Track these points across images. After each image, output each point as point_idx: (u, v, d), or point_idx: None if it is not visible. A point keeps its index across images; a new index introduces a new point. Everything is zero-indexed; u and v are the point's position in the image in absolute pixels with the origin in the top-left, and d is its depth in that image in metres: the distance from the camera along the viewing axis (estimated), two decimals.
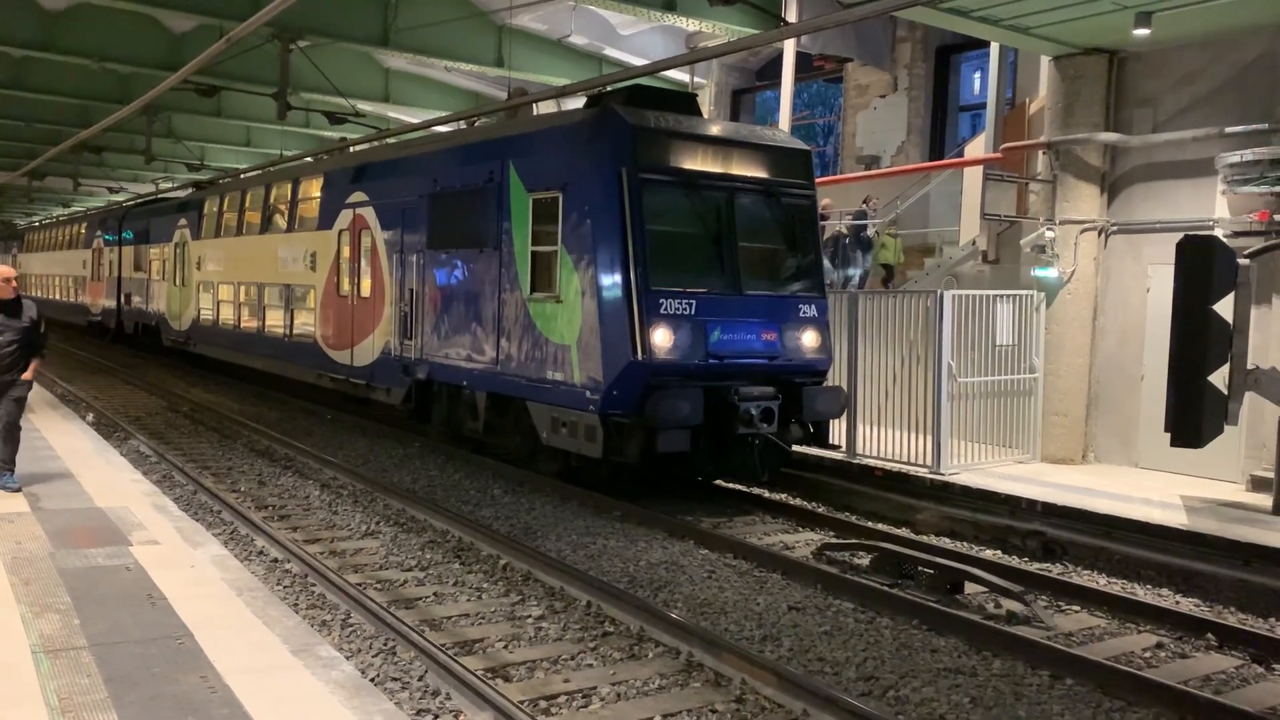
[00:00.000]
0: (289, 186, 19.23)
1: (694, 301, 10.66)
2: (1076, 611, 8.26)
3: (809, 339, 11.48)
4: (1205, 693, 6.50)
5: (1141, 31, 11.16)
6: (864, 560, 9.23)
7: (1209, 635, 7.62)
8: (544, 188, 11.55)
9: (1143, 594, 8.77)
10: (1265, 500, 10.40)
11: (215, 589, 6.70)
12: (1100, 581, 9.10)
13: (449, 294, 13.45)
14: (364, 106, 22.69)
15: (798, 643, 7.25)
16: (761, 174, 11.64)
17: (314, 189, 18.15)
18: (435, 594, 8.16)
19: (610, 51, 20.45)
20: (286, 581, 8.34)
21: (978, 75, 20.66)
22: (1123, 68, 13.05)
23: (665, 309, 10.45)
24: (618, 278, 10.45)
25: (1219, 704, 6.21)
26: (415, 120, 21.98)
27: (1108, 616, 8.13)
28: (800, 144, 12.53)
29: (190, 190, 27.39)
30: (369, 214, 15.74)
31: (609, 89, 13.41)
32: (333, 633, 7.14)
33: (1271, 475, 10.41)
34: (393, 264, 14.87)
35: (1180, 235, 10.64)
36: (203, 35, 18.70)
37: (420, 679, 6.34)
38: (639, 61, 18.85)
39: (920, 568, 8.78)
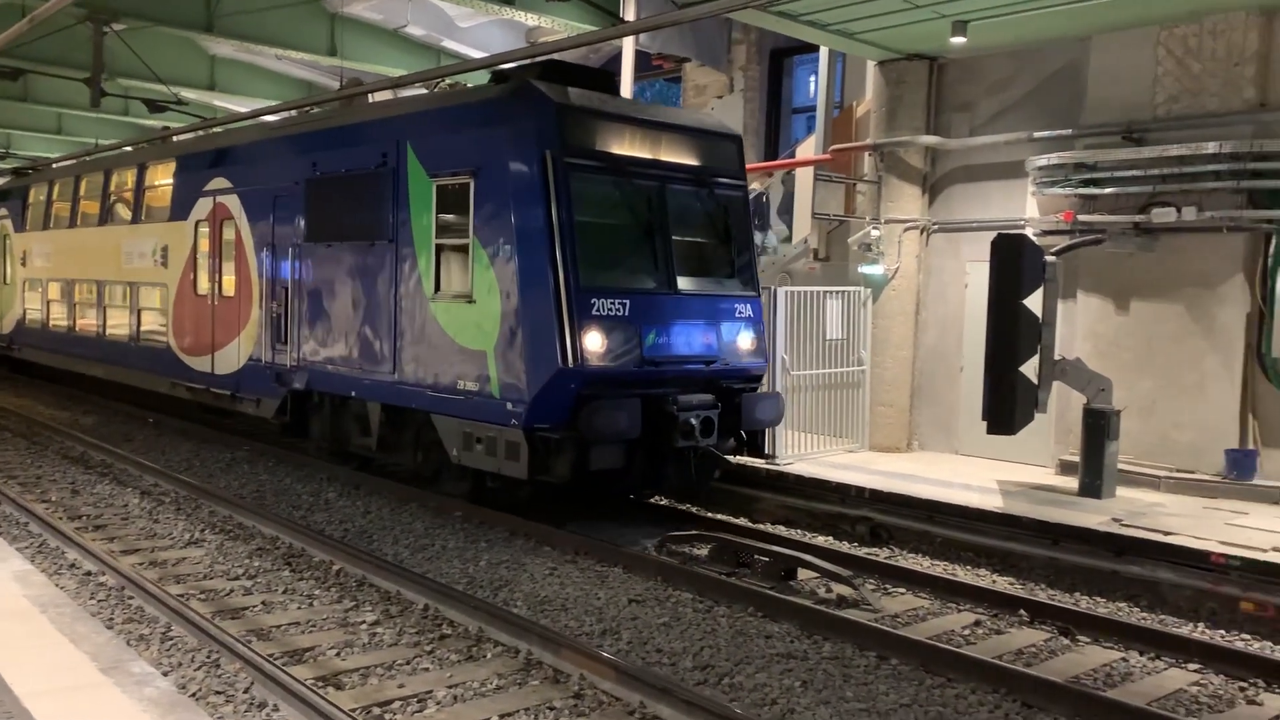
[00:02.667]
0: (134, 172, 17.24)
1: (628, 302, 9.66)
2: (902, 593, 8.62)
3: (746, 341, 10.64)
4: (1018, 665, 6.90)
5: (958, 39, 11.74)
6: (703, 551, 9.39)
7: (1022, 611, 8.08)
8: (451, 172, 10.31)
9: (962, 574, 9.23)
10: (1072, 483, 11.11)
11: (15, 606, 6.25)
12: (924, 564, 9.53)
13: (333, 293, 12.07)
14: (188, 94, 21.60)
15: (637, 635, 7.31)
16: (693, 161, 10.66)
17: (165, 174, 16.27)
18: (264, 603, 7.84)
19: (449, 43, 20.12)
20: (100, 595, 7.85)
21: (811, 78, 21.34)
22: (942, 74, 13.71)
23: (597, 310, 9.42)
24: (543, 275, 9.35)
25: (1030, 675, 6.58)
26: (244, 109, 21.08)
27: (931, 597, 8.51)
28: (731, 129, 11.59)
29: (9, 177, 25.03)
30: (233, 202, 14.17)
31: (449, 81, 13.20)
32: (150, 647, 6.76)
33: (1078, 459, 11.13)
34: (262, 259, 13.40)
35: (994, 234, 11.26)
36: (5, 14, 17.41)
37: (245, 691, 6.08)
38: (478, 54, 18.62)
39: (756, 556, 9.00)
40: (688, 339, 10.12)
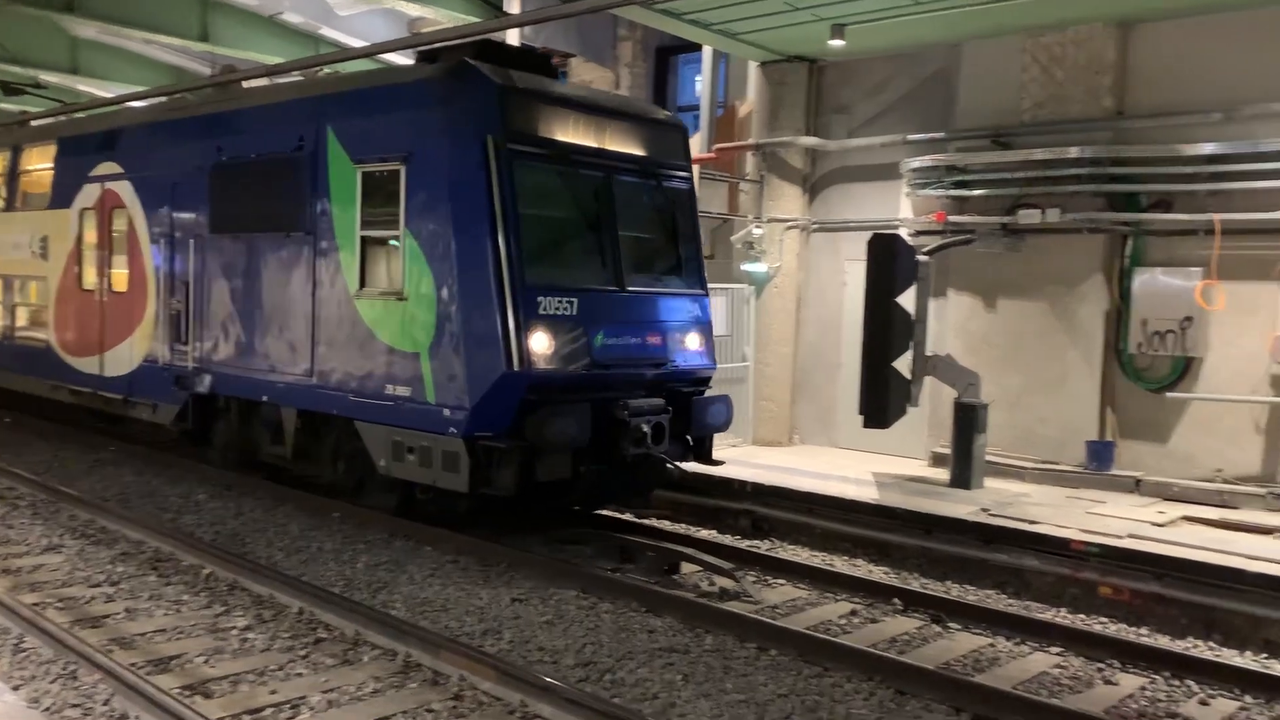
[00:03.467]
0: (6, 156, 15.88)
1: (575, 300, 9.02)
2: (782, 585, 8.76)
3: (695, 342, 10.06)
4: (891, 653, 7.09)
5: (836, 42, 12.01)
6: (589, 547, 9.37)
7: (896, 600, 8.31)
8: (379, 158, 9.52)
9: (840, 565, 9.45)
10: (943, 474, 11.50)
11: None
12: (803, 555, 9.72)
13: (241, 289, 11.15)
14: (47, 77, 20.50)
15: (518, 634, 7.25)
16: (639, 151, 9.99)
17: (43, 158, 14.93)
18: (127, 610, 7.49)
19: (327, 31, 19.59)
20: None
21: (696, 78, 21.51)
22: (822, 76, 14.00)
23: (544, 309, 8.77)
24: (485, 271, 8.64)
25: (902, 663, 6.77)
26: (109, 95, 20.12)
27: (809, 588, 8.68)
28: (676, 118, 10.96)
29: None
30: (124, 189, 13.05)
31: (328, 69, 12.81)
32: (0, 660, 6.38)
33: (949, 452, 11.51)
34: (159, 251, 12.36)
35: (871, 234, 11.57)
36: None
37: (105, 703, 5.79)
38: (358, 43, 18.18)
39: (641, 551, 9.03)
40: (638, 340, 9.55)
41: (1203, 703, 6.50)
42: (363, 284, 9.73)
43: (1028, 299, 12.36)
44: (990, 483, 11.36)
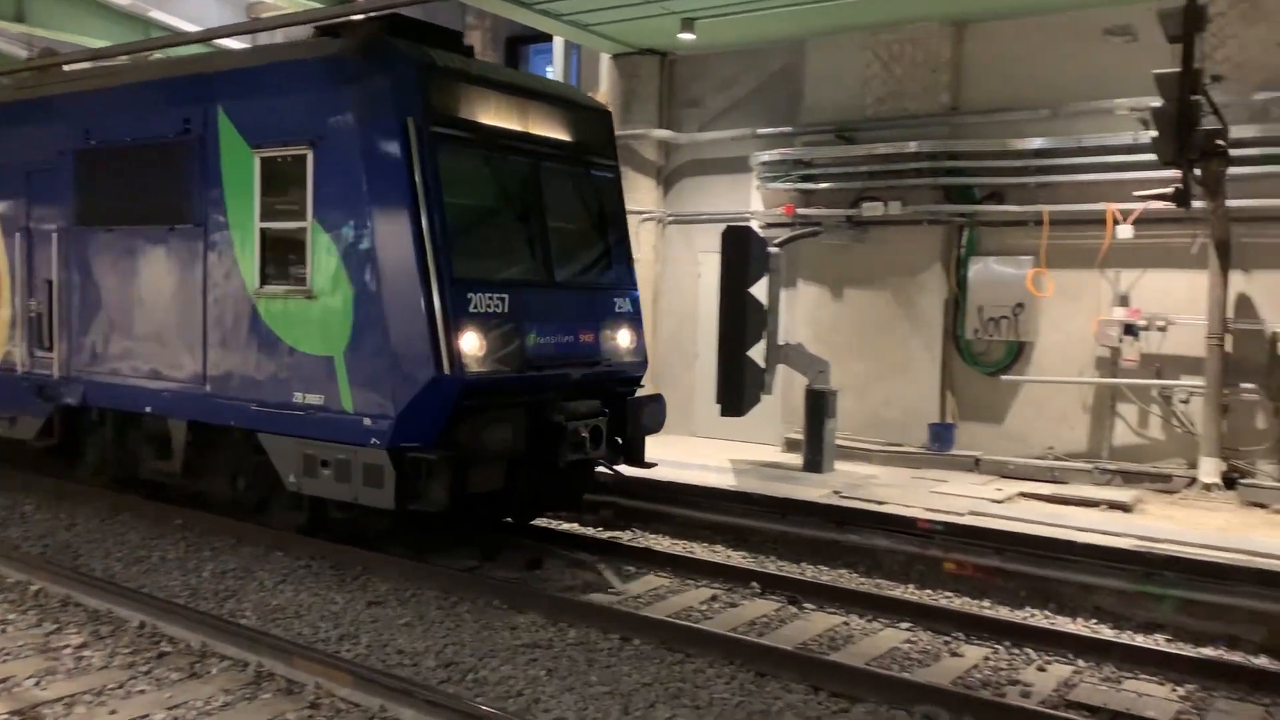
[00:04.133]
0: None
1: (506, 296, 8.33)
2: (644, 574, 8.82)
3: (626, 339, 9.51)
4: (750, 636, 7.23)
5: (686, 36, 12.14)
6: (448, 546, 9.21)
7: (754, 584, 8.48)
8: (281, 142, 8.64)
9: (700, 552, 9.58)
10: (797, 459, 11.81)
11: None
12: (664, 544, 9.81)
13: (117, 288, 10.01)
14: None
15: (376, 638, 7.06)
16: (566, 137, 9.39)
17: None
18: None
19: (157, 14, 18.59)
20: None
21: (548, 68, 21.39)
22: (674, 69, 14.14)
23: (475, 306, 8.07)
24: (409, 265, 7.89)
25: (761, 645, 6.92)
26: None
27: (670, 576, 8.77)
28: (601, 104, 10.34)
29: None
30: None
31: (161, 53, 12.13)
32: None
33: (801, 437, 11.82)
34: (13, 246, 11.03)
35: (724, 226, 11.76)
36: None
37: None
38: (191, 27, 17.34)
39: (504, 548, 8.93)
40: (570, 338, 8.94)
41: (1040, 669, 6.86)
42: (264, 280, 8.82)
43: (873, 288, 12.81)
44: (841, 466, 11.73)
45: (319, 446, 8.44)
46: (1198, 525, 9.34)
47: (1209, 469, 10.68)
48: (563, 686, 6.30)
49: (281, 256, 8.79)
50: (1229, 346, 10.69)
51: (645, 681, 6.40)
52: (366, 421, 8.12)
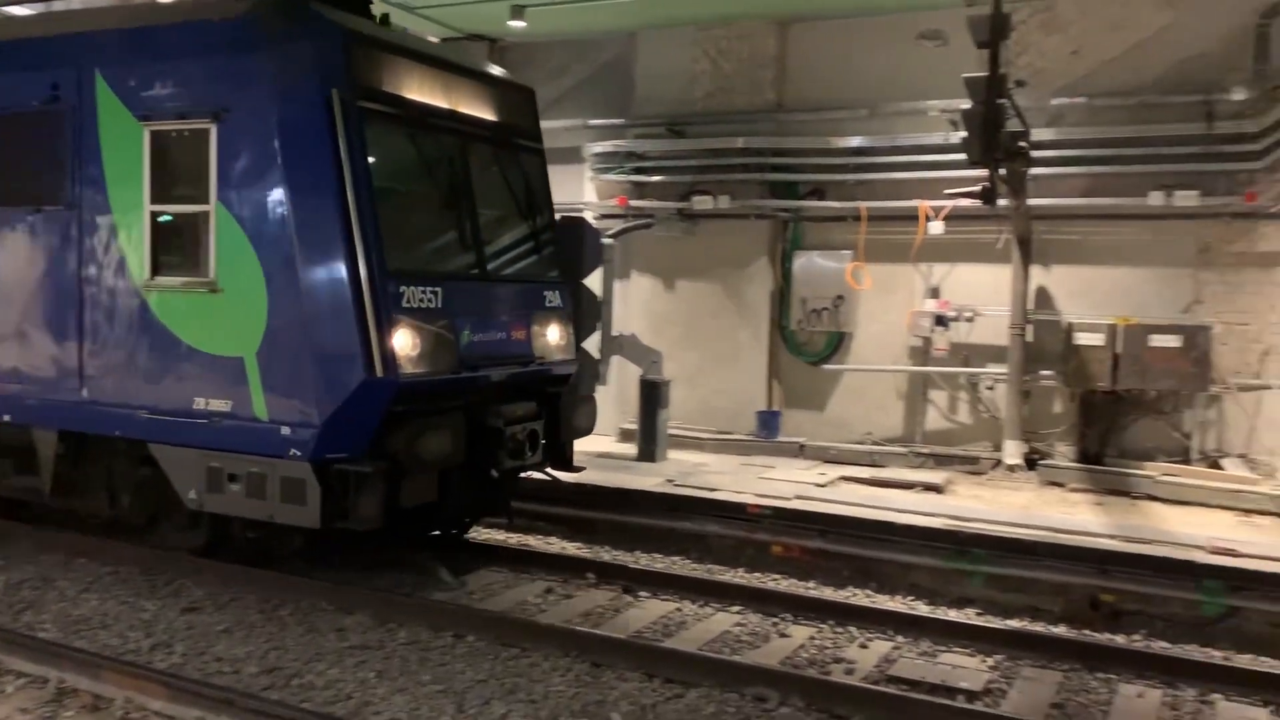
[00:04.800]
0: None
1: (439, 290, 7.55)
2: (478, 569, 8.70)
3: (557, 336, 8.85)
4: (585, 627, 7.24)
5: (516, 23, 12.01)
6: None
7: (589, 574, 8.49)
8: (176, 114, 7.68)
9: (535, 544, 9.52)
10: (632, 449, 11.91)
11: None
12: (499, 538, 9.70)
13: None
14: None
15: (193, 646, 6.70)
16: (492, 116, 8.61)
17: None
18: None
19: None
20: None
21: None
22: (504, 56, 13.95)
23: (408, 301, 7.29)
24: (336, 255, 7.06)
25: (596, 635, 6.94)
26: None
27: (506, 570, 8.67)
28: (524, 83, 9.57)
29: None
30: None
31: None
32: None
33: (636, 427, 11.93)
34: None
35: (558, 217, 11.68)
36: None
37: None
38: None
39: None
40: (503, 335, 8.25)
41: (863, 646, 7.15)
42: (156, 271, 7.81)
43: (703, 280, 13.04)
44: (674, 454, 11.90)
45: (226, 459, 7.51)
46: (1003, 504, 9.96)
47: (1012, 451, 11.39)
48: (394, 688, 6.13)
49: (178, 244, 7.82)
50: (1029, 336, 11.43)
51: (479, 678, 6.31)
52: (285, 430, 7.27)
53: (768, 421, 12.63)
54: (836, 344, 12.82)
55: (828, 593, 8.34)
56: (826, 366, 12.78)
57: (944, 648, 7.10)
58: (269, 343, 7.33)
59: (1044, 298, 11.86)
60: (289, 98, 7.30)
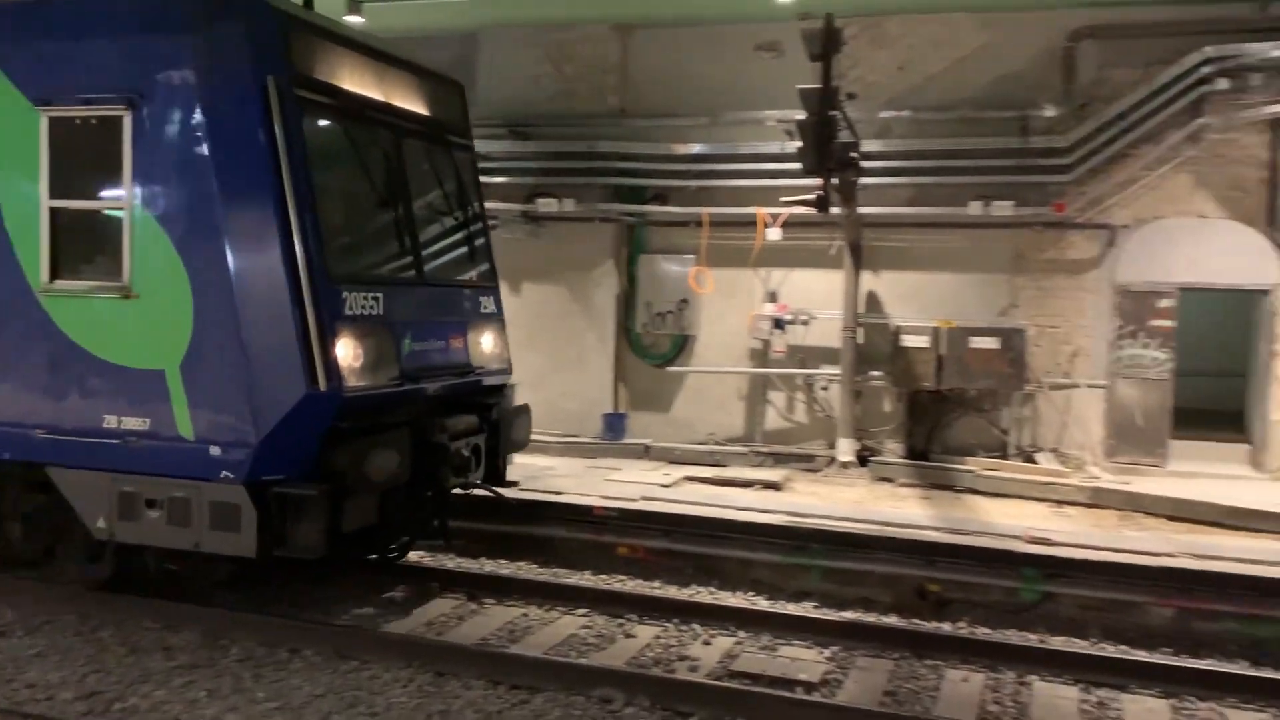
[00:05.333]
0: None
1: (380, 296, 7.06)
2: (322, 581, 8.42)
3: (492, 344, 8.44)
4: (430, 635, 7.12)
5: (354, 19, 11.68)
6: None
7: (434, 583, 8.34)
8: (82, 99, 6.93)
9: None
10: None
11: None
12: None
13: None
14: None
15: (0, 674, 6.24)
16: (424, 110, 8.14)
17: None
18: None
19: None
20: None
21: None
22: None
23: (350, 307, 6.78)
24: (274, 258, 6.48)
25: (438, 643, 6.85)
26: None
27: (351, 582, 8.42)
28: (452, 76, 9.01)
29: None
30: None
31: None
32: None
33: None
34: None
35: None
36: None
37: None
38: None
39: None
40: (442, 344, 7.79)
41: (706, 643, 7.28)
42: (56, 274, 7.05)
43: (549, 283, 13.03)
44: (520, 458, 11.79)
45: (143, 482, 6.82)
46: (837, 500, 10.33)
47: (845, 449, 11.84)
48: (225, 706, 5.88)
49: (83, 244, 7.11)
50: (861, 339, 11.90)
51: (318, 693, 6.11)
52: (214, 450, 6.65)
53: (614, 424, 12.72)
54: (681, 346, 13.03)
55: (672, 592, 8.45)
56: (671, 368, 12.97)
57: (784, 641, 7.30)
58: (195, 354, 6.67)
59: (874, 302, 12.38)
60: (219, 84, 6.65)
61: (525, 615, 7.78)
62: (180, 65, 6.71)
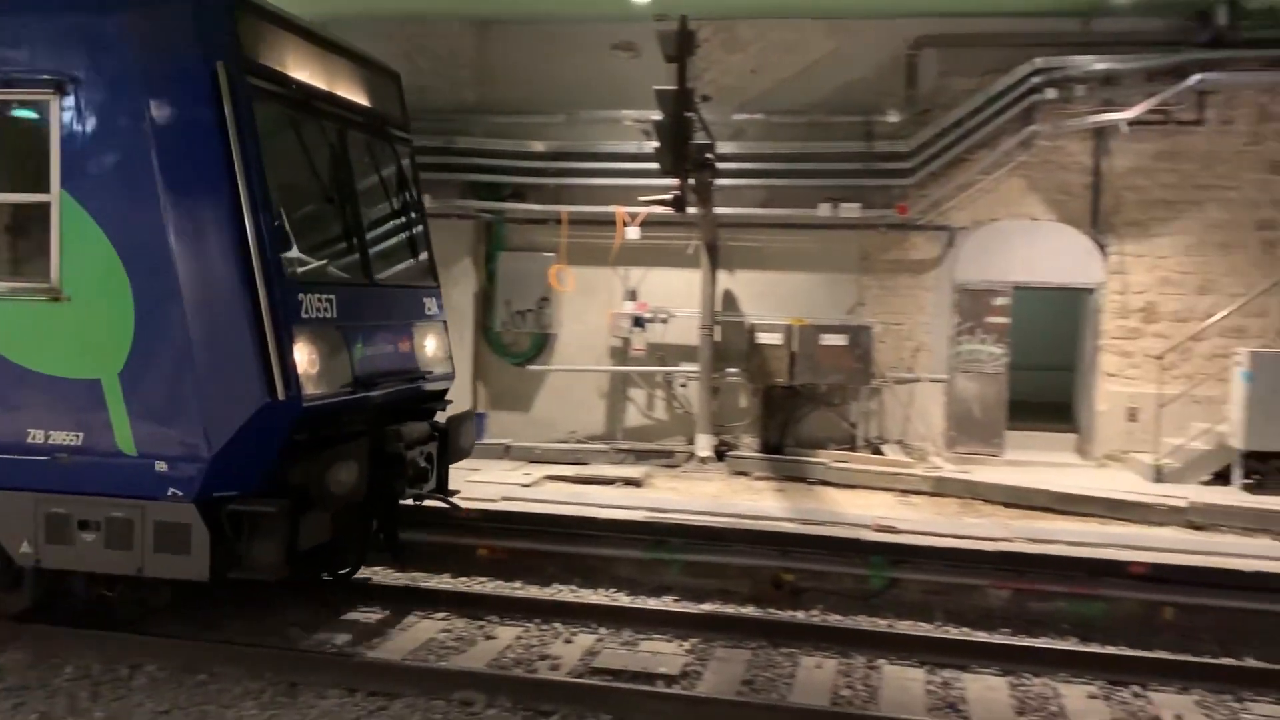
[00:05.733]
0: None
1: (333, 298, 6.63)
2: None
3: (436, 347, 8.09)
4: (282, 644, 6.90)
5: None
6: None
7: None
8: (2, 81, 6.35)
9: None
10: None
11: None
12: None
13: None
14: None
15: None
16: (367, 101, 7.73)
17: None
18: None
19: None
20: None
21: None
22: None
23: (307, 310, 6.36)
24: (228, 256, 6.04)
25: (295, 652, 6.66)
26: None
27: (193, 594, 8.07)
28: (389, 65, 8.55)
29: None
30: None
31: None
32: None
33: None
34: None
35: None
36: None
37: None
38: None
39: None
40: (391, 348, 7.40)
41: (567, 641, 7.29)
42: None
43: None
44: None
45: (75, 503, 6.25)
46: (696, 494, 10.51)
47: (703, 444, 12.06)
48: None
49: (3, 242, 6.54)
50: (718, 336, 12.14)
51: (162, 709, 5.86)
52: (160, 466, 6.14)
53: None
54: (541, 345, 12.99)
55: (534, 591, 8.43)
56: (531, 367, 12.92)
57: (645, 636, 7.37)
58: (137, 361, 6.11)
59: (730, 300, 12.64)
60: (163, 68, 6.13)
61: (383, 621, 7.63)
62: (118, 47, 6.18)
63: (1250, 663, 7.10)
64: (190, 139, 6.13)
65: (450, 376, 8.41)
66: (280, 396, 6.02)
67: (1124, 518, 9.93)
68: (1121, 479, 11.18)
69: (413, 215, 8.38)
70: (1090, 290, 12.27)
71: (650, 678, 6.53)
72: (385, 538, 7.95)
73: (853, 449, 12.30)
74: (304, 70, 6.98)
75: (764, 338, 12.22)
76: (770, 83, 12.46)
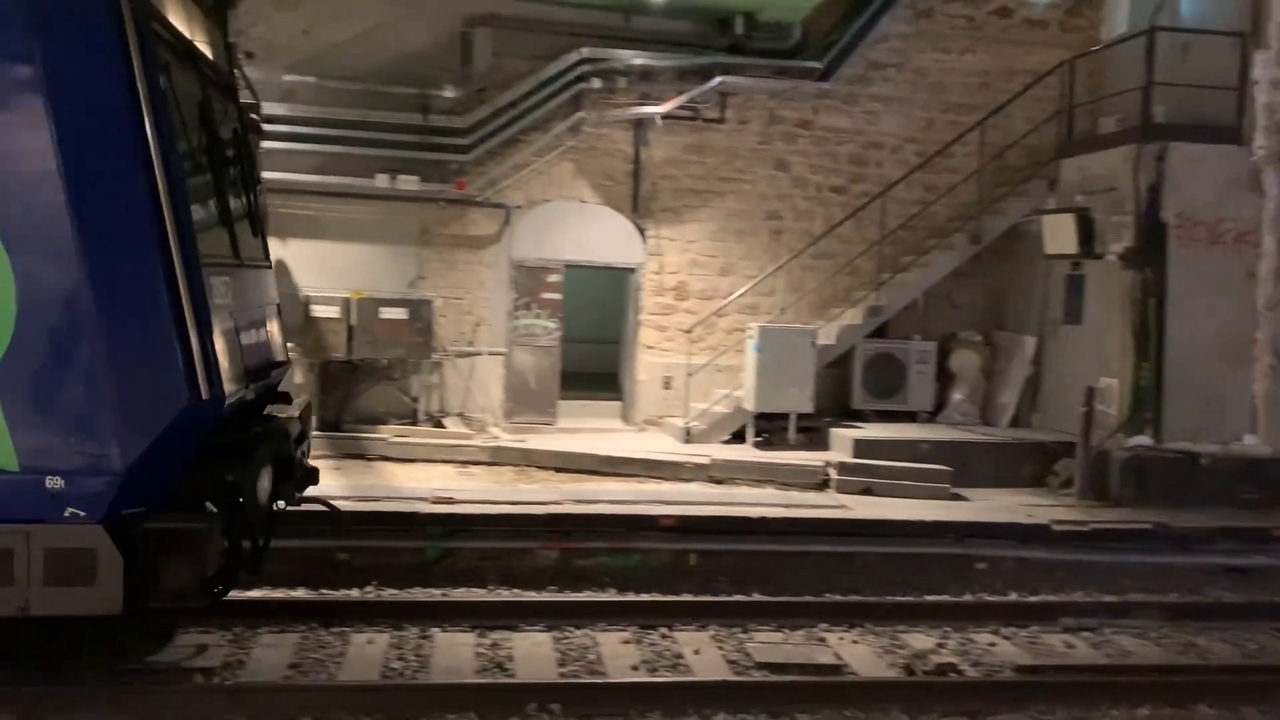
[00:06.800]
0: None
1: (229, 281, 5.83)
2: None
3: (278, 333, 7.20)
4: None
5: None
6: None
7: None
8: None
9: None
10: None
11: None
12: None
13: None
14: None
15: None
16: (220, 60, 6.91)
17: None
18: None
19: None
20: None
21: None
22: None
23: (217, 296, 5.49)
24: (141, 234, 5.01)
25: None
26: None
27: None
28: None
29: None
30: None
31: None
32: None
33: None
34: None
35: None
36: None
37: None
38: None
39: None
40: (260, 334, 6.56)
41: None
42: None
43: None
44: None
45: None
46: None
47: None
48: None
49: None
50: None
51: None
52: (54, 483, 5.09)
53: None
54: None
55: None
56: None
57: (183, 630, 6.87)
58: (17, 358, 5.01)
59: (282, 271, 12.03)
60: (55, 14, 4.99)
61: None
62: None
63: (756, 597, 8.13)
64: (96, 98, 5.06)
65: (288, 364, 7.67)
66: (204, 395, 5.21)
67: (659, 476, 10.91)
68: (657, 441, 12.25)
69: (252, 184, 7.53)
70: (632, 270, 13.25)
71: (188, 673, 6.12)
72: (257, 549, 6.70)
73: (414, 423, 12.29)
74: (182, 21, 6.20)
75: (320, 311, 11.82)
76: (323, 45, 12.00)
